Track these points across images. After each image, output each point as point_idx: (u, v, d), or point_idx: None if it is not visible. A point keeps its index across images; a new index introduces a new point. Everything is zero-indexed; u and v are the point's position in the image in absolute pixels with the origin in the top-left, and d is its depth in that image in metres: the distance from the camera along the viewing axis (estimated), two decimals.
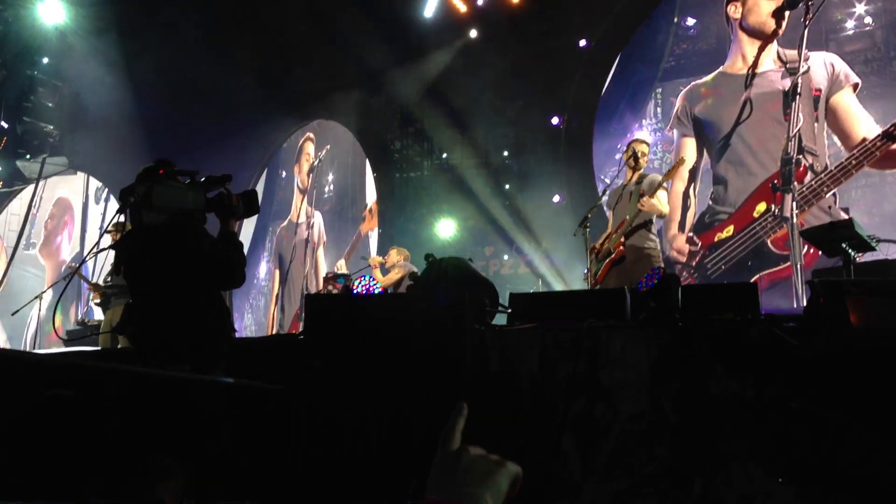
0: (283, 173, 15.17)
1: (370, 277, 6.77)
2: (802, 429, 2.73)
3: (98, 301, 7.70)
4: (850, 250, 4.88)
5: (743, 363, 2.95)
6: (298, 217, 14.18)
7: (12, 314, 9.45)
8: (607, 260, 5.85)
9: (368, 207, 13.19)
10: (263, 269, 14.98)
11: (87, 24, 11.11)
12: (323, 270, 12.96)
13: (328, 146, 14.08)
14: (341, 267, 9.97)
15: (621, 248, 5.77)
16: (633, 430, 3.00)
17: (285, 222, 14.48)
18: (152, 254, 3.35)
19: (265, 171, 15.31)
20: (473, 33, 11.56)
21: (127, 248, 3.47)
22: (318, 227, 13.61)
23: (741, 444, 2.80)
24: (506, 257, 11.06)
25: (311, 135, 14.54)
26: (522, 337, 3.38)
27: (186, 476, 2.31)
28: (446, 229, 11.62)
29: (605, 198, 6.54)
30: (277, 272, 14.27)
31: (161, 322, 3.33)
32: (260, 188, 15.28)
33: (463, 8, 11.41)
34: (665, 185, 5.85)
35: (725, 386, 2.94)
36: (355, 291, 5.62)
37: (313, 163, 14.29)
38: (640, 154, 6.03)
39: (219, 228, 3.41)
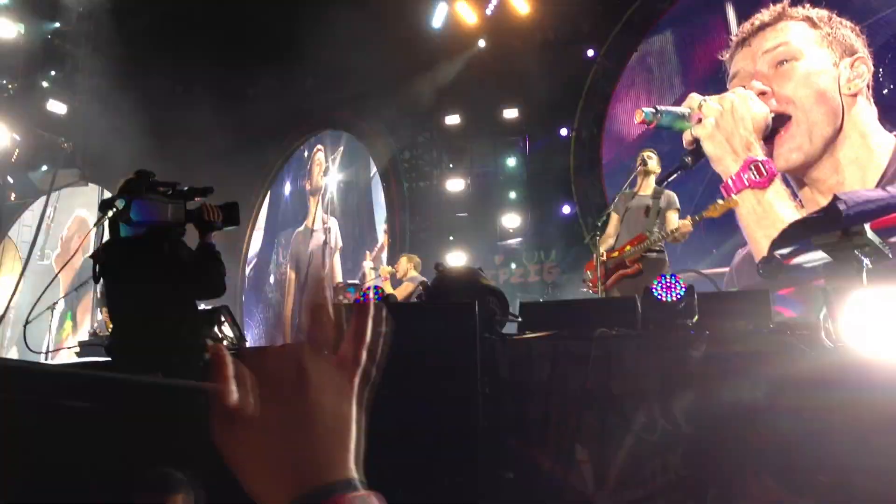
0: (289, 186, 15.27)
1: (376, 288, 6.65)
2: (817, 438, 2.71)
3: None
4: (863, 258, 4.83)
5: (756, 372, 2.92)
6: (314, 223, 14.24)
7: (24, 324, 9.46)
8: (619, 272, 5.78)
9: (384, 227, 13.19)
10: (272, 280, 15.05)
11: (98, 36, 11.19)
12: (339, 277, 12.97)
13: (341, 148, 14.18)
14: (368, 272, 9.53)
15: (638, 265, 5.70)
16: (646, 441, 2.98)
17: (301, 227, 14.56)
18: (129, 266, 3.38)
19: (271, 186, 15.46)
20: (482, 43, 11.59)
21: (105, 260, 3.48)
22: (335, 233, 13.66)
23: (755, 454, 2.78)
24: (515, 266, 11.04)
25: (321, 146, 14.64)
26: (533, 346, 3.37)
27: (196, 490, 2.30)
28: (455, 238, 11.62)
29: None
30: (294, 276, 14.31)
31: (135, 334, 3.36)
32: (268, 200, 15.45)
33: (471, 19, 11.44)
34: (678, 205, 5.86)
35: (738, 395, 2.91)
36: (358, 301, 5.56)
37: (326, 167, 14.37)
38: (649, 161, 5.99)
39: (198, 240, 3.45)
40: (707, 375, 3.00)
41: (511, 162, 11.55)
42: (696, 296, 3.42)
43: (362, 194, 13.74)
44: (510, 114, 11.35)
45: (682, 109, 8.86)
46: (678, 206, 5.83)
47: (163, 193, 3.45)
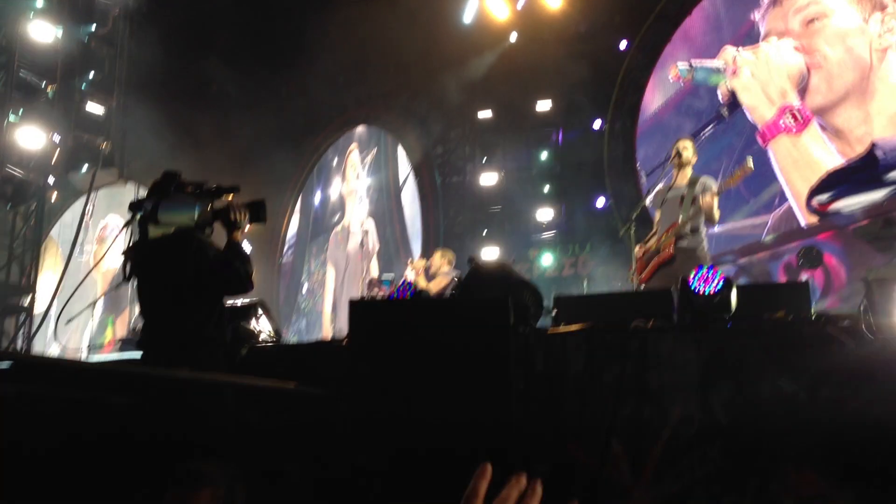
0: (319, 194, 15.42)
1: (409, 284, 6.63)
2: (859, 431, 2.66)
3: None
4: None
5: (796, 363, 2.88)
6: (351, 223, 14.35)
7: (66, 322, 9.66)
8: (655, 260, 5.72)
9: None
10: (304, 290, 15.25)
11: (133, 38, 11.35)
12: (374, 273, 13.09)
13: (374, 149, 14.23)
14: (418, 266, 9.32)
15: (671, 250, 5.62)
16: (684, 433, 2.95)
17: (339, 226, 14.68)
18: (155, 265, 3.47)
19: (300, 194, 15.67)
20: (513, 37, 11.56)
21: (133, 259, 3.58)
22: (372, 236, 13.74)
23: (796, 447, 2.74)
24: (549, 260, 10.99)
25: (355, 145, 14.71)
26: (568, 339, 3.35)
27: (228, 483, 2.32)
28: (489, 232, 11.61)
29: (650, 197, 6.42)
30: (334, 275, 14.43)
31: (163, 330, 3.45)
32: (298, 209, 15.67)
33: (503, 13, 11.41)
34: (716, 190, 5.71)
35: (778, 387, 2.87)
36: (392, 297, 5.59)
37: (359, 169, 14.45)
38: (683, 152, 5.88)
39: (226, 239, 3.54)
40: (745, 367, 2.96)
41: (544, 155, 11.51)
42: (734, 287, 3.37)
43: (395, 195, 13.78)
44: (543, 107, 11.31)
45: (716, 63, 8.78)
46: (715, 189, 5.67)
47: (190, 193, 3.53)
